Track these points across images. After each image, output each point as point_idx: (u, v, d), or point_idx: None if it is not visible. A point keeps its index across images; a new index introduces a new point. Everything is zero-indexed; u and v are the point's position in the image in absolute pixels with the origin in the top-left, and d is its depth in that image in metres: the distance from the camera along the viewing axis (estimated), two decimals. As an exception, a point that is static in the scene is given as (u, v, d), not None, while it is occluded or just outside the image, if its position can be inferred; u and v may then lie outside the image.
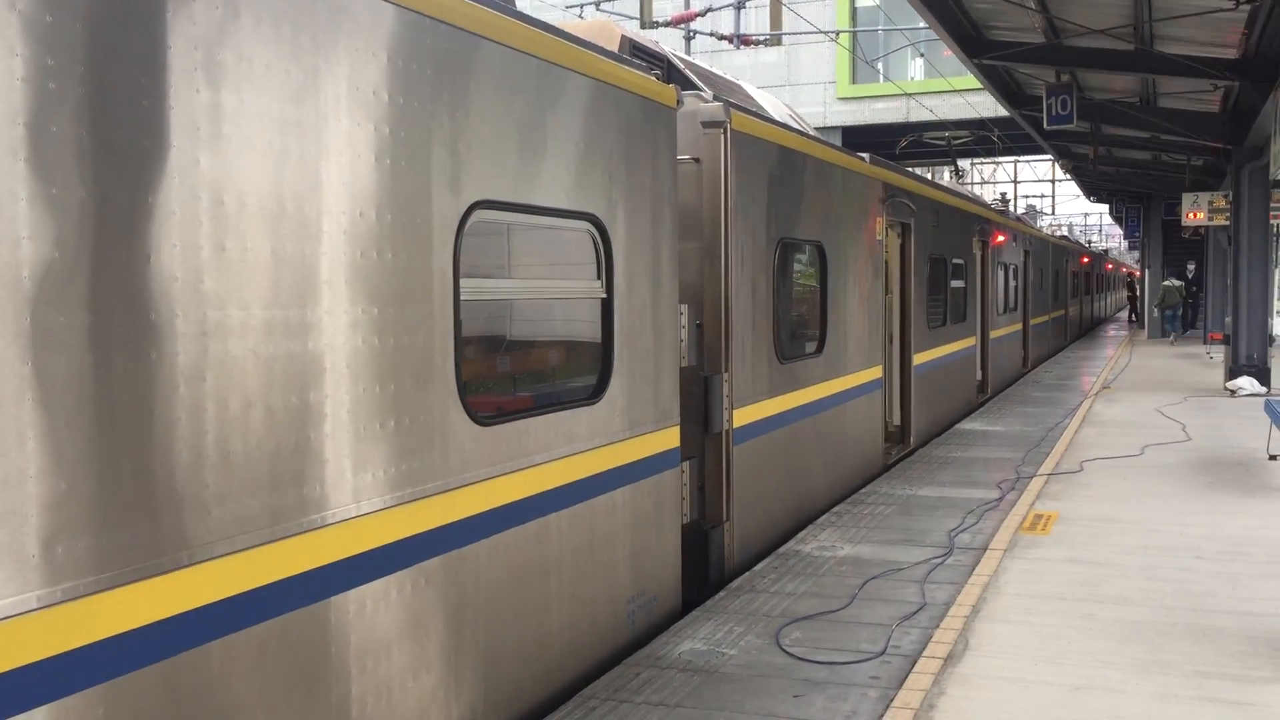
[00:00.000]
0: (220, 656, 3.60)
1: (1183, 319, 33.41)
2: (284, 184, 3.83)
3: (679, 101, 6.99)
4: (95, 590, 3.18)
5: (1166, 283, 33.34)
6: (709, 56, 34.65)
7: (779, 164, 8.73)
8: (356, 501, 4.19)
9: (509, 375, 5.51)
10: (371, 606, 4.29)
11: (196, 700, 3.52)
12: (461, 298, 4.83)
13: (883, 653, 6.03)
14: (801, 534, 8.80)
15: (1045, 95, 15.96)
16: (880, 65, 34.53)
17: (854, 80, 35.53)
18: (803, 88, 35.80)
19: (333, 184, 4.06)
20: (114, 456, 3.24)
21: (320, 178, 4.00)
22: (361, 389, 4.21)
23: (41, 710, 3.03)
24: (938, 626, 6.45)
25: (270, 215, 3.77)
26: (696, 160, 7.73)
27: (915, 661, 5.89)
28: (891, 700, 5.36)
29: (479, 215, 4.97)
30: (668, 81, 7.45)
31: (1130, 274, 59.65)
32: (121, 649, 3.26)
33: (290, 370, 3.87)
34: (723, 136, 7.71)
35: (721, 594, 7.18)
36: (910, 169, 15.84)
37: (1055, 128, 16.03)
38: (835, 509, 9.75)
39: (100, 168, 3.18)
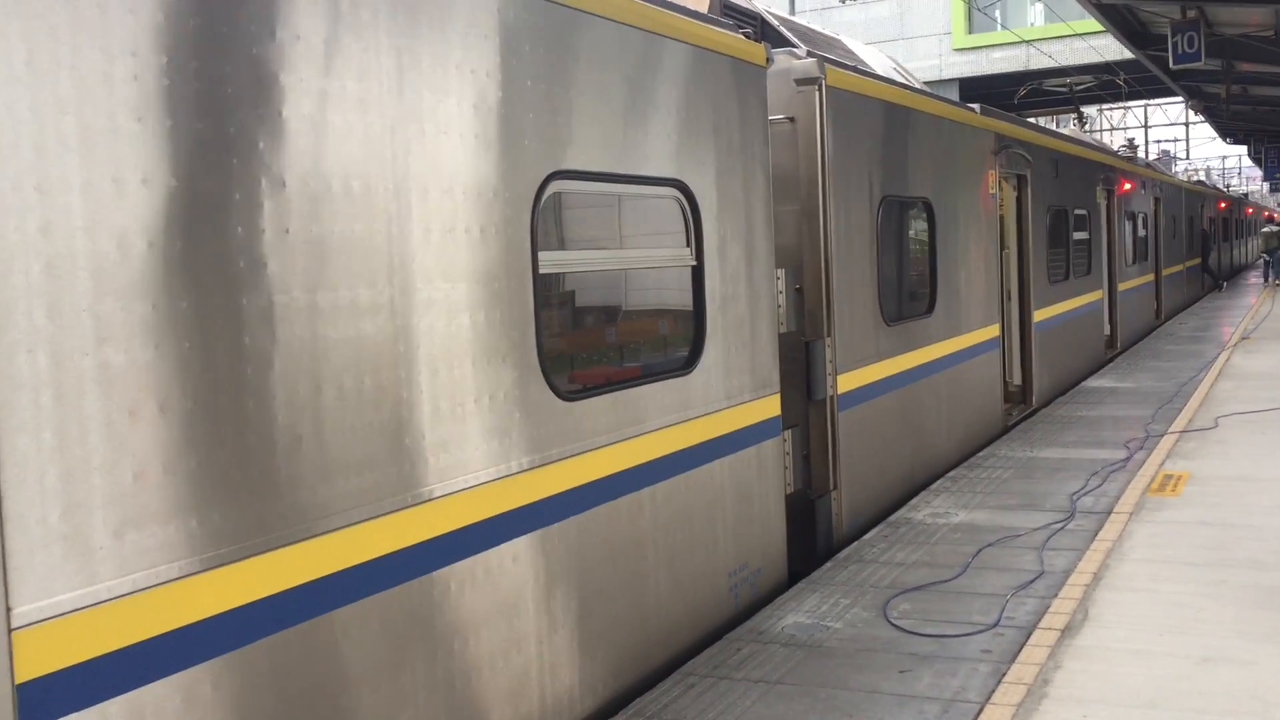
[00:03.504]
0: (354, 619, 3.74)
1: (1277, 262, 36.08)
2: (375, 164, 3.78)
3: (769, 60, 6.76)
4: (249, 555, 3.38)
5: (1267, 229, 36.92)
6: (819, 15, 33.99)
7: (880, 120, 8.42)
8: (442, 480, 4.15)
9: (597, 347, 5.41)
10: (456, 588, 4.24)
11: (331, 660, 3.69)
12: (540, 270, 4.73)
13: (995, 624, 5.79)
14: (914, 501, 8.54)
15: (1170, 33, 15.16)
16: (998, 13, 33.38)
17: (970, 30, 34.43)
18: (917, 40, 34.84)
19: (423, 160, 4.00)
20: (262, 434, 3.44)
21: (408, 154, 3.94)
22: (468, 366, 4.23)
23: (204, 666, 3.22)
24: (1055, 596, 6.17)
25: (364, 196, 3.77)
26: (791, 119, 7.49)
27: (1030, 633, 5.63)
28: (1003, 675, 5.13)
29: (558, 185, 4.86)
30: (762, 39, 7.21)
31: (1270, 216, 57.22)
32: (278, 608, 3.46)
33: (398, 350, 3.95)
34: (818, 94, 7.45)
35: (828, 565, 7.00)
36: (1031, 118, 15.15)
37: (1181, 67, 15.23)
38: (951, 473, 9.44)
39: (215, 156, 3.26)
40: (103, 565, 2.97)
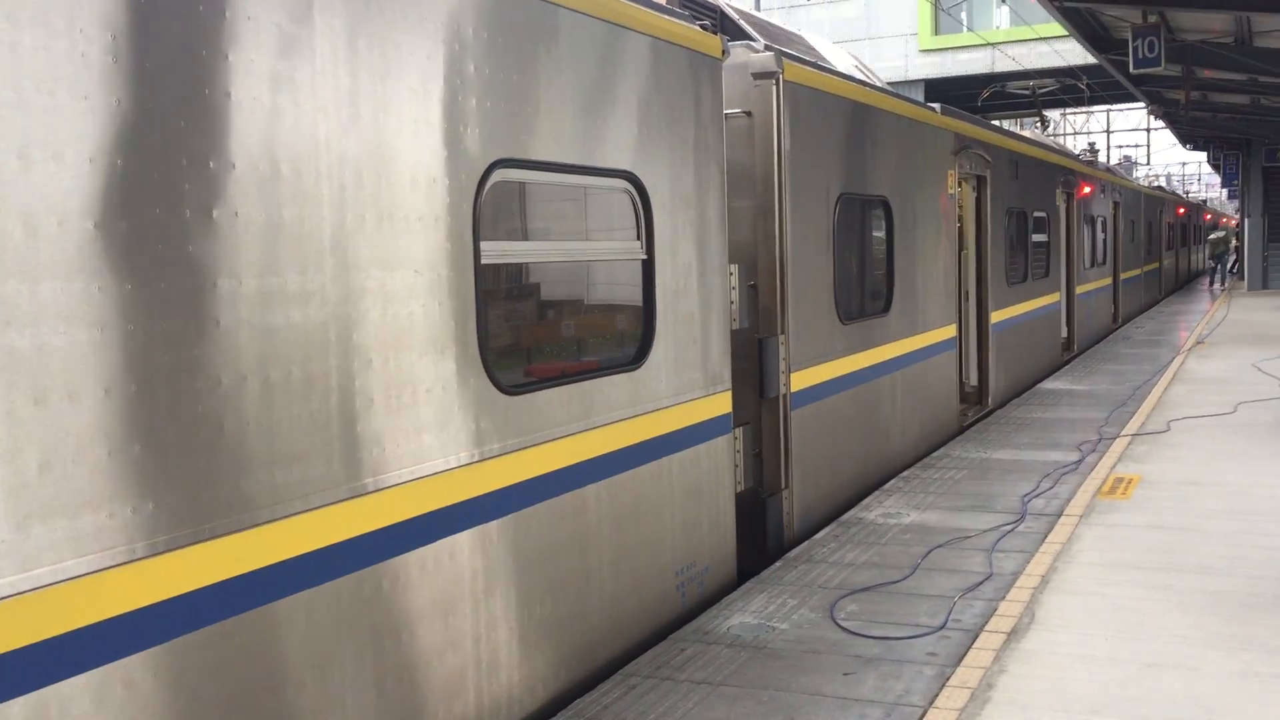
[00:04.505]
0: (279, 618, 3.61)
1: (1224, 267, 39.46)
2: (308, 147, 3.65)
3: (725, 52, 6.67)
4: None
5: (1212, 236, 41.08)
6: (785, 13, 33.96)
7: (839, 116, 8.36)
8: (375, 475, 4.03)
9: (541, 340, 5.30)
10: (389, 585, 4.12)
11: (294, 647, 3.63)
12: (483, 260, 4.62)
13: (942, 627, 5.74)
14: (866, 500, 8.49)
15: (1131, 37, 15.22)
16: (964, 15, 33.49)
17: (936, 31, 34.54)
18: (884, 41, 34.91)
19: (360, 144, 3.87)
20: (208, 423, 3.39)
21: (344, 138, 3.81)
22: (404, 357, 4.09)
23: (116, 664, 3.10)
24: (1003, 598, 6.13)
25: (295, 180, 3.63)
26: (748, 114, 7.41)
27: (976, 636, 5.59)
28: (948, 679, 5.08)
29: (502, 174, 4.74)
30: (721, 32, 7.12)
31: (1229, 224, 58.28)
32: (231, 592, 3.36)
33: (329, 340, 3.84)
34: (775, 88, 7.38)
35: (778, 564, 6.93)
36: (994, 121, 15.18)
37: (1142, 71, 15.30)
38: (904, 473, 9.41)
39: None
40: (3, 560, 2.83)
